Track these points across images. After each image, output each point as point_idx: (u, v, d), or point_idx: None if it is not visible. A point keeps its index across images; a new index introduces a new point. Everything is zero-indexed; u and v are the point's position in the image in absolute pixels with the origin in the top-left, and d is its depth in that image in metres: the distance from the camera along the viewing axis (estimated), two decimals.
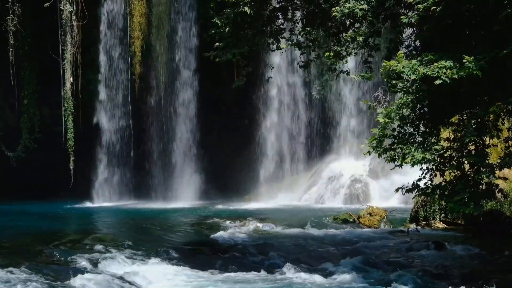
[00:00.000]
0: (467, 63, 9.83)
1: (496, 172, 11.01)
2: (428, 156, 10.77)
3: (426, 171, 11.88)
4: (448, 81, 9.95)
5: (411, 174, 13.38)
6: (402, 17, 11.46)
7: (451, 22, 10.95)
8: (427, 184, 11.89)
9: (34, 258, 15.23)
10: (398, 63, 10.55)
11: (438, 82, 9.99)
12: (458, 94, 10.57)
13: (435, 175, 11.90)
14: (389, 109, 11.13)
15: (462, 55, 10.07)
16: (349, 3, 11.90)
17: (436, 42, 11.19)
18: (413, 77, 10.20)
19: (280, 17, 15.01)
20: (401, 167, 11.28)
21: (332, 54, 13.22)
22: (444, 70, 10.01)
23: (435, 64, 10.11)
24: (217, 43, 14.51)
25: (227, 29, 14.11)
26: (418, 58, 10.58)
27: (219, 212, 25.62)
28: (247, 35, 14.54)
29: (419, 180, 11.95)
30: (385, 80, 11.24)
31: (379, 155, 11.38)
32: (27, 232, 20.55)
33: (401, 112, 11.04)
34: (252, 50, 14.91)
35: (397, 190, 12.38)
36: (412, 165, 10.95)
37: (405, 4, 12.02)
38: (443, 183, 11.70)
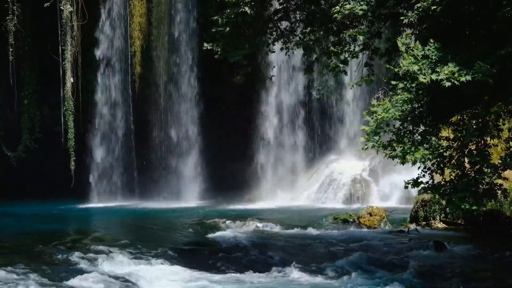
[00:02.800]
0: (478, 67, 9.75)
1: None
2: (428, 154, 10.71)
3: (425, 170, 11.85)
4: (457, 84, 9.90)
5: (412, 173, 13.36)
6: (402, 17, 11.44)
7: (451, 22, 10.94)
8: (428, 182, 11.86)
9: (34, 258, 15.23)
10: (412, 60, 10.32)
11: (448, 84, 9.91)
12: (460, 94, 10.54)
13: (435, 173, 11.87)
14: (386, 104, 11.05)
15: (467, 57, 10.02)
16: (349, 3, 11.88)
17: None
18: (421, 79, 10.12)
19: (281, 18, 14.98)
20: (403, 164, 11.21)
21: (332, 52, 13.18)
22: (453, 74, 9.95)
23: (444, 69, 10.02)
24: (217, 42, 14.43)
25: (227, 29, 14.08)
26: (427, 48, 10.40)
27: (219, 212, 25.61)
28: (247, 35, 14.51)
29: (418, 179, 11.92)
30: (386, 81, 11.20)
31: (377, 150, 11.33)
32: (27, 232, 20.54)
33: (401, 107, 10.98)
34: (252, 50, 14.89)
35: (406, 186, 12.23)
36: (413, 164, 10.88)
37: (405, 4, 12.01)
38: (443, 182, 11.68)
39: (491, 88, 10.18)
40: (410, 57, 10.37)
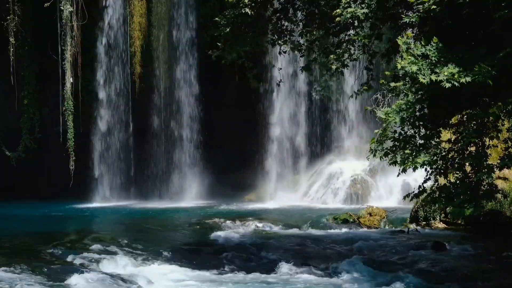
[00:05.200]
0: (478, 69, 9.74)
1: (496, 172, 10.99)
2: (428, 158, 10.71)
3: (430, 172, 11.85)
4: (456, 85, 9.89)
5: (411, 174, 13.37)
6: (402, 16, 11.43)
7: (451, 23, 10.94)
8: (433, 187, 11.86)
9: (34, 258, 15.23)
10: (412, 60, 10.31)
11: (447, 85, 9.91)
12: (459, 95, 10.54)
13: (440, 175, 11.87)
14: (388, 110, 11.08)
15: (466, 57, 10.02)
16: (351, 7, 11.86)
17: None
18: (421, 79, 10.10)
19: (281, 18, 14.98)
20: (405, 172, 11.24)
21: (333, 57, 13.23)
22: (452, 76, 9.94)
23: (443, 71, 10.00)
24: (218, 43, 14.43)
25: (227, 29, 14.07)
26: (428, 48, 10.39)
27: (219, 212, 25.61)
28: (247, 35, 14.50)
29: (425, 182, 11.92)
30: (385, 83, 11.20)
31: (380, 158, 11.36)
32: (27, 232, 20.54)
33: (401, 113, 10.99)
34: (254, 51, 14.89)
35: (404, 198, 12.37)
36: (414, 170, 10.90)
37: (406, 5, 12.01)
38: (447, 184, 11.68)
39: (490, 89, 10.17)
40: (409, 57, 10.35)
